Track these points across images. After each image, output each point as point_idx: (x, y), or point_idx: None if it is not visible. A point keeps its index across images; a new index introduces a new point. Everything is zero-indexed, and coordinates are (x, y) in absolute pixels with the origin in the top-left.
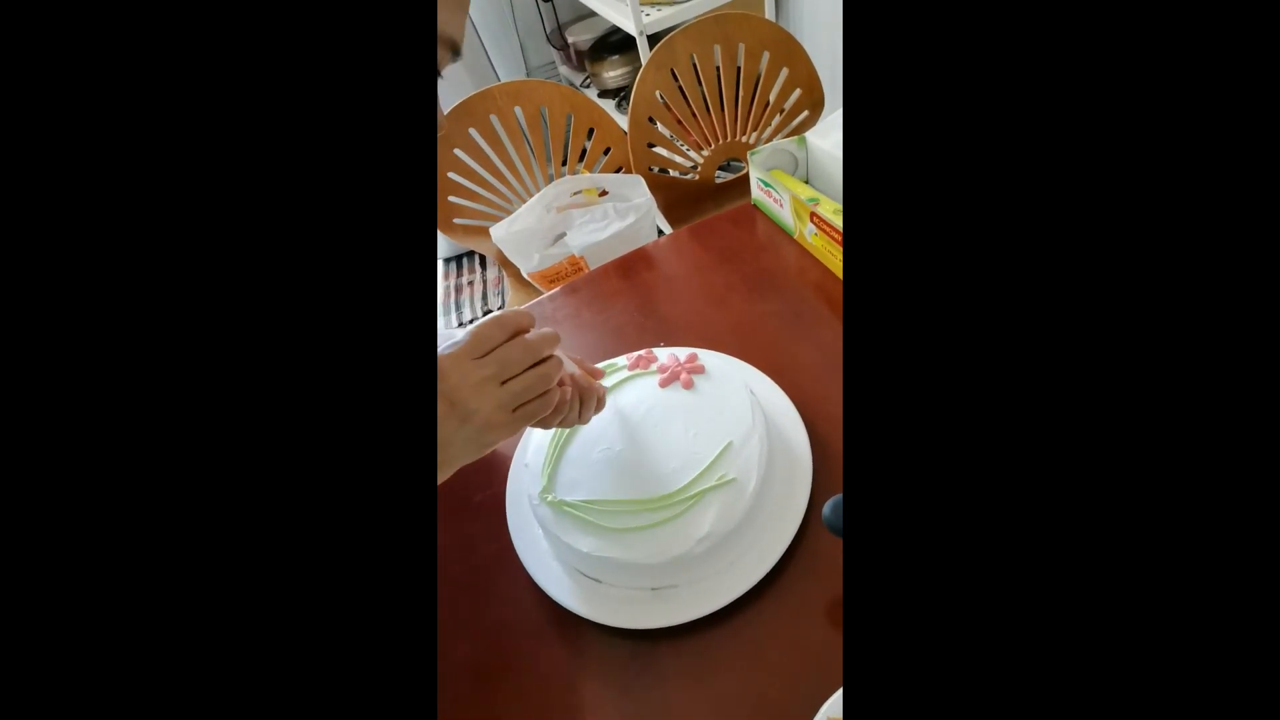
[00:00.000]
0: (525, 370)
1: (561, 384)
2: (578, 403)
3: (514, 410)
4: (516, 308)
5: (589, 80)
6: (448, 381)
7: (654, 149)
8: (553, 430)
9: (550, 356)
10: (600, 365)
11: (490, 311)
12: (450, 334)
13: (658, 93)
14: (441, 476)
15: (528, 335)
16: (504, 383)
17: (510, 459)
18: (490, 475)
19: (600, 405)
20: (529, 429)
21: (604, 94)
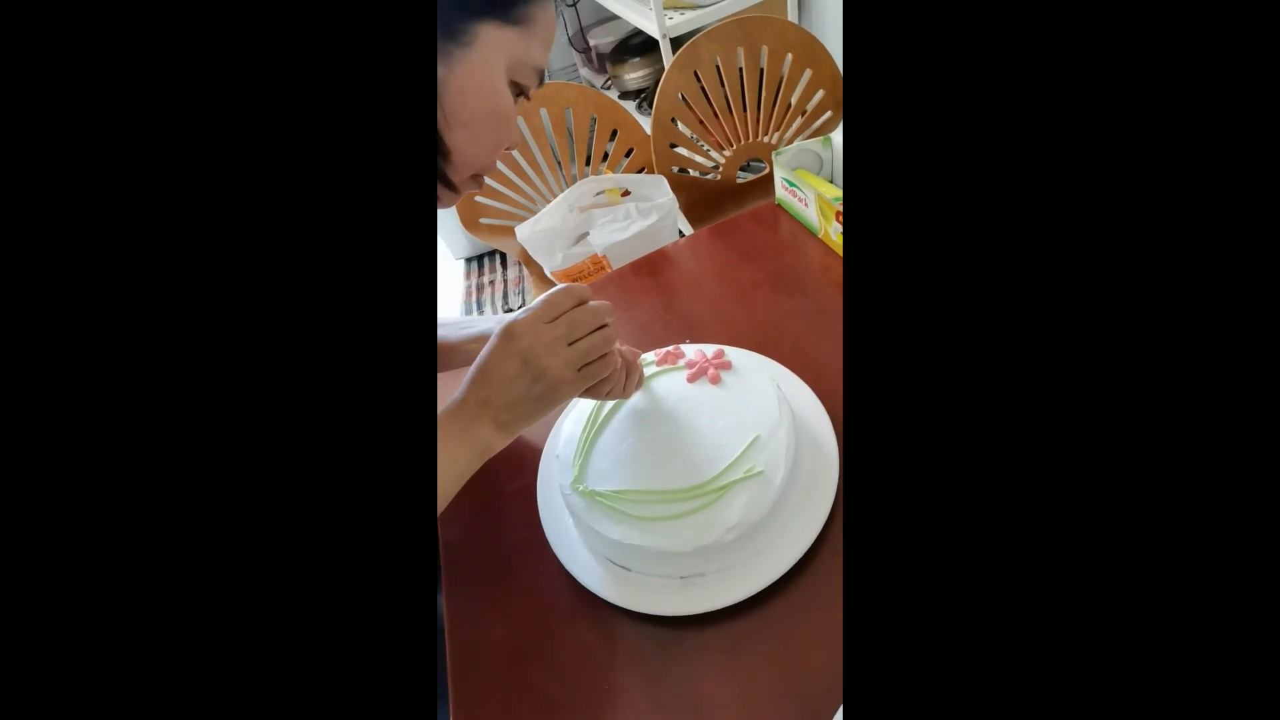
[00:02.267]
0: (590, 333)
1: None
2: (624, 374)
3: (580, 369)
4: (578, 283)
5: (609, 82)
6: (522, 342)
7: (676, 149)
8: (584, 422)
9: (608, 324)
10: None
11: (511, 310)
12: (470, 322)
13: (680, 94)
14: (509, 438)
15: (590, 304)
16: (571, 344)
17: (539, 452)
18: (520, 467)
19: (640, 381)
20: (561, 420)
21: (624, 95)
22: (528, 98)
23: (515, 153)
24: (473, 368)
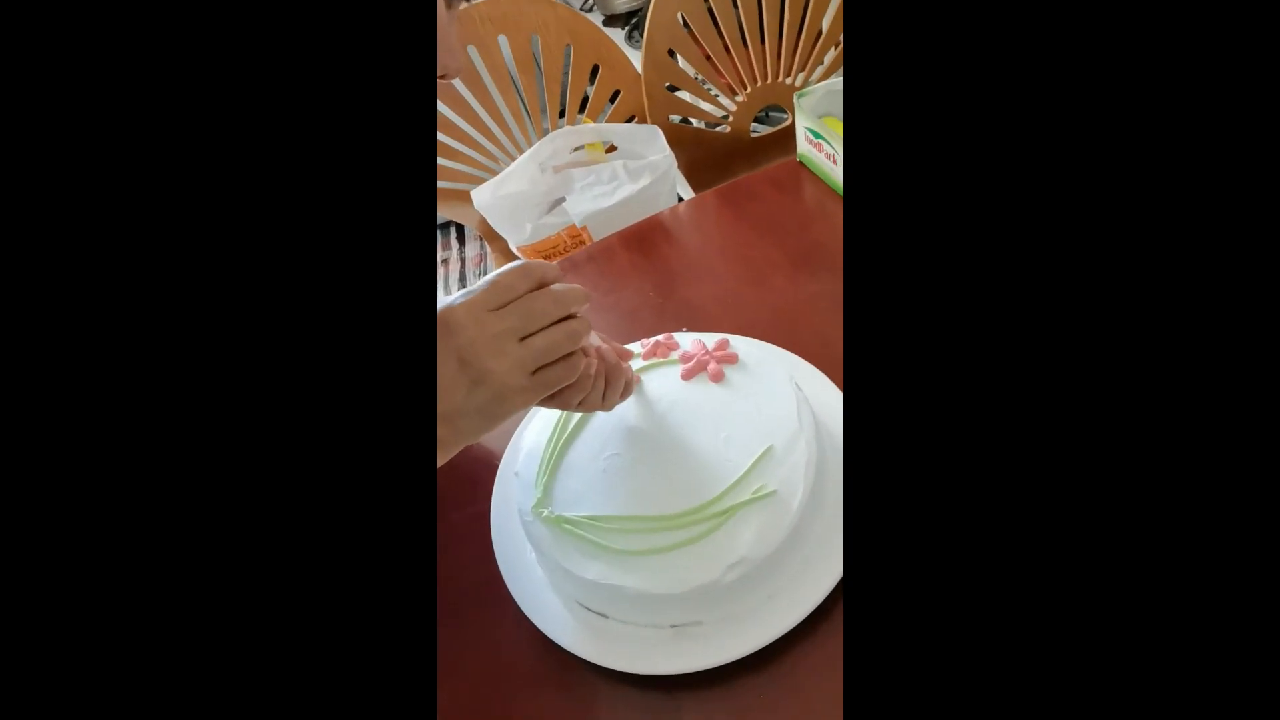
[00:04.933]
0: (550, 326)
1: (587, 353)
2: (603, 381)
3: (534, 373)
4: (539, 260)
5: (591, 3)
6: (460, 336)
7: (675, 93)
8: (550, 433)
9: (577, 314)
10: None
11: None
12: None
13: (680, 16)
14: (444, 457)
15: (554, 287)
16: (524, 339)
17: (496, 468)
18: (472, 488)
19: (629, 390)
20: (522, 428)
21: (611, 20)
22: (467, 0)
23: (469, 95)
24: None
